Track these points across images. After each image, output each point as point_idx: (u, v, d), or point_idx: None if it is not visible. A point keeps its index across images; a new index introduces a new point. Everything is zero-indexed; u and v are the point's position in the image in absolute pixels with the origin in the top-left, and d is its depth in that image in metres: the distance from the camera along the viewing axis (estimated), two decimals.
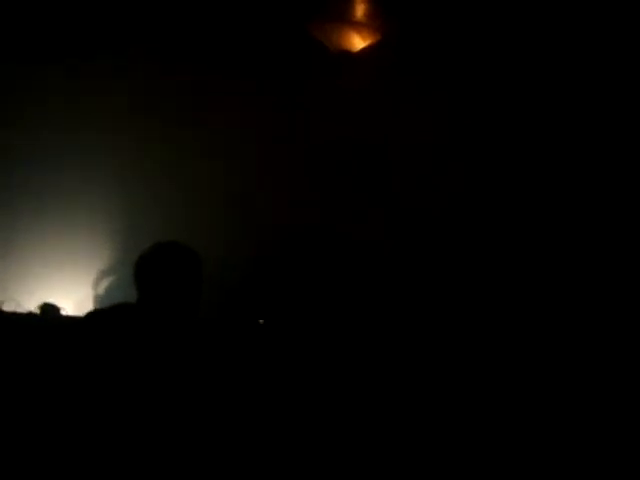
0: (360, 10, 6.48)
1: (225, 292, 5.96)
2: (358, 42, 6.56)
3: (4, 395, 3.15)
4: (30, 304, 5.33)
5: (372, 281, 5.85)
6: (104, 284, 6.19)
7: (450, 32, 6.00)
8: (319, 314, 5.51)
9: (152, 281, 2.97)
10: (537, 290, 5.49)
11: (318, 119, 6.30)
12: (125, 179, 6.23)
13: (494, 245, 5.77)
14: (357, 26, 6.54)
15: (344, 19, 6.52)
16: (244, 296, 5.98)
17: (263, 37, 6.31)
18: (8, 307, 5.21)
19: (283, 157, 6.29)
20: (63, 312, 5.49)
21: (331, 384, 4.23)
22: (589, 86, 5.69)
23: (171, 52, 6.23)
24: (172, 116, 6.23)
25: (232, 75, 6.21)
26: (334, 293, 5.82)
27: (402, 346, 4.69)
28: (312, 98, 6.33)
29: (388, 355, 4.50)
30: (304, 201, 6.22)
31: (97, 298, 6.05)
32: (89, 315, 3.18)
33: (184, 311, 2.99)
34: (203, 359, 2.95)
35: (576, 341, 4.84)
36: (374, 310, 5.47)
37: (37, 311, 5.35)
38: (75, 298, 6.04)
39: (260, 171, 6.28)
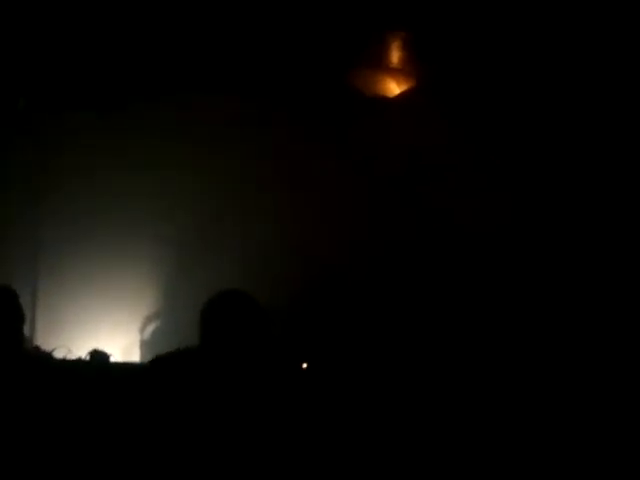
0: (395, 57, 6.59)
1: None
2: (394, 88, 6.67)
3: (58, 439, 3.23)
4: (80, 351, 5.42)
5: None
6: (149, 330, 6.27)
7: (482, 76, 6.10)
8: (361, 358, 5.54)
9: (217, 329, 2.99)
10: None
11: (357, 162, 6.41)
12: (172, 223, 6.35)
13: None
14: (393, 73, 6.65)
15: (380, 66, 6.63)
16: (287, 339, 6.04)
17: (302, 85, 6.45)
18: (59, 354, 5.31)
19: (327, 199, 6.39)
20: (112, 358, 5.58)
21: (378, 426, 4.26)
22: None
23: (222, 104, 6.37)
24: (220, 166, 6.37)
25: (274, 122, 6.35)
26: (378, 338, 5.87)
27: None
28: (351, 142, 6.44)
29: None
30: (349, 241, 6.30)
31: (143, 344, 6.13)
32: (154, 361, 3.20)
33: (244, 357, 2.99)
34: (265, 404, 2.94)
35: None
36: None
37: (87, 357, 5.43)
38: (122, 344, 6.13)
39: (304, 215, 6.37)
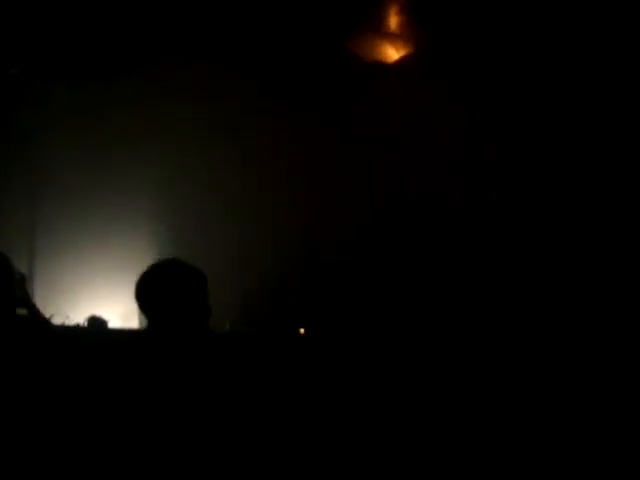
0: (394, 23, 6.55)
1: (266, 302, 6.05)
2: (392, 53, 6.63)
3: (54, 403, 3.23)
4: (78, 317, 5.44)
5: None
6: None
7: (478, 42, 6.08)
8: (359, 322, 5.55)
9: (154, 302, 2.95)
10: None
11: (355, 127, 6.40)
12: (171, 193, 6.35)
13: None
14: (391, 38, 6.61)
15: (379, 32, 6.59)
16: (285, 305, 6.06)
17: (301, 52, 6.42)
18: (57, 320, 5.32)
19: (322, 166, 6.39)
20: (110, 325, 5.59)
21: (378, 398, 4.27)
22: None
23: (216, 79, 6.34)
24: (218, 135, 6.35)
25: (274, 91, 6.33)
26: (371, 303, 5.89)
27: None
28: (349, 107, 6.43)
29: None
30: (347, 208, 6.31)
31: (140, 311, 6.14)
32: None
33: (191, 329, 2.94)
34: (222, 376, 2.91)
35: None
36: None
37: (85, 324, 5.45)
38: (121, 311, 6.15)
39: (297, 181, 6.37)
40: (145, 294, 3.00)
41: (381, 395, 4.32)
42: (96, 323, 5.48)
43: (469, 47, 6.14)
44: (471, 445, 4.08)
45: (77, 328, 5.34)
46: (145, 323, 3.24)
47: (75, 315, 5.46)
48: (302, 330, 5.51)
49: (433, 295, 5.87)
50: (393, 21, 6.54)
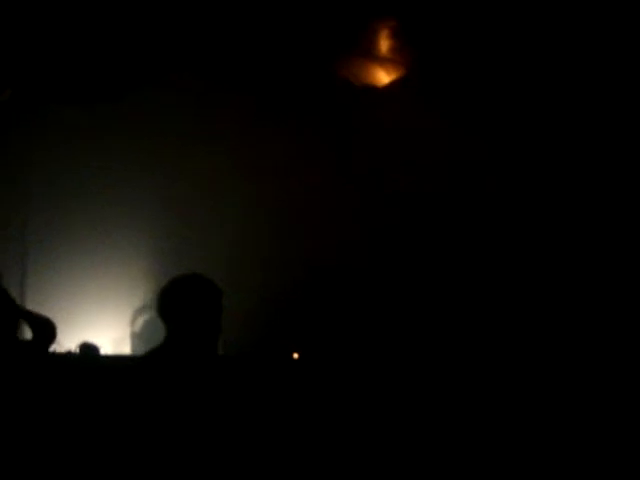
0: (384, 47, 6.59)
1: (261, 326, 6.03)
2: (383, 77, 6.67)
3: (48, 429, 3.20)
4: (70, 343, 5.41)
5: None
6: (140, 323, 6.25)
7: (466, 65, 6.13)
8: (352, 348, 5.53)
9: (178, 313, 2.95)
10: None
11: (349, 150, 6.43)
12: (169, 215, 6.35)
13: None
14: (382, 62, 6.64)
15: (369, 56, 6.62)
16: (279, 330, 6.04)
17: (292, 77, 6.44)
18: (49, 347, 5.27)
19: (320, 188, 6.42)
20: (102, 351, 5.56)
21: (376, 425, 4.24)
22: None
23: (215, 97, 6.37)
24: (211, 153, 6.37)
25: (273, 114, 6.36)
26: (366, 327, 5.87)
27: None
28: (341, 130, 6.46)
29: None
30: (340, 238, 6.32)
31: (134, 336, 6.12)
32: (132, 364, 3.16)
33: (208, 343, 2.94)
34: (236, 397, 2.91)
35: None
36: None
37: (76, 350, 5.42)
38: (113, 337, 6.11)
39: (296, 204, 6.39)
40: (168, 305, 3.00)
41: (374, 419, 4.29)
42: (88, 350, 5.44)
43: (459, 69, 6.18)
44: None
45: (69, 355, 5.30)
46: (138, 349, 3.22)
47: (67, 342, 5.43)
48: (296, 355, 5.48)
49: (432, 316, 5.87)
50: (384, 45, 6.57)
